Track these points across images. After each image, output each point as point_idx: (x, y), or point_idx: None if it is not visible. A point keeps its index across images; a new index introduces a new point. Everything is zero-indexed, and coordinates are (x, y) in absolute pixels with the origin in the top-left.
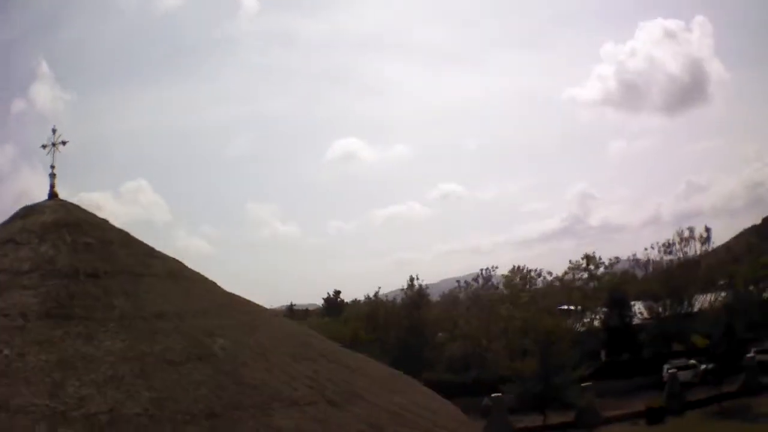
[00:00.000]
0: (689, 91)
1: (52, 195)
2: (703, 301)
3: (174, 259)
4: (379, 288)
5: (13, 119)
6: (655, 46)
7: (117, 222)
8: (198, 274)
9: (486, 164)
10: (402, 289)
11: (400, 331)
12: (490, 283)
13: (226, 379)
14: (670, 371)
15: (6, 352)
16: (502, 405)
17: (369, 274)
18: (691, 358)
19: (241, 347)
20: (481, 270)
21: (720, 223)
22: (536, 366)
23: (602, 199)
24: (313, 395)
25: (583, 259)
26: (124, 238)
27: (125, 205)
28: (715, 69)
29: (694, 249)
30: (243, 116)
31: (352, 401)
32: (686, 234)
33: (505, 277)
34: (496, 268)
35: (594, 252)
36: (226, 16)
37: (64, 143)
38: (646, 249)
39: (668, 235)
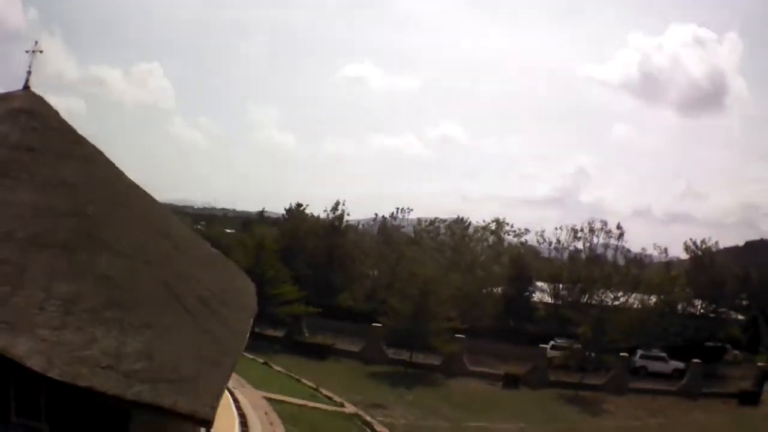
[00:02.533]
0: (706, 98)
1: (26, 87)
2: (612, 298)
3: (95, 146)
4: (307, 205)
5: None
6: (683, 47)
7: (121, 100)
8: (110, 161)
9: (492, 116)
10: (373, 219)
11: (317, 251)
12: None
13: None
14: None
15: None
16: (379, 334)
17: (352, 197)
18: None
19: (104, 209)
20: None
21: (707, 233)
22: (412, 309)
23: (598, 179)
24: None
25: (492, 222)
26: (62, 126)
27: (132, 84)
28: (736, 85)
29: (604, 241)
30: (262, 17)
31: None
32: (598, 225)
33: (448, 226)
34: (411, 209)
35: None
36: None
37: (41, 52)
38: (555, 229)
39: (656, 229)
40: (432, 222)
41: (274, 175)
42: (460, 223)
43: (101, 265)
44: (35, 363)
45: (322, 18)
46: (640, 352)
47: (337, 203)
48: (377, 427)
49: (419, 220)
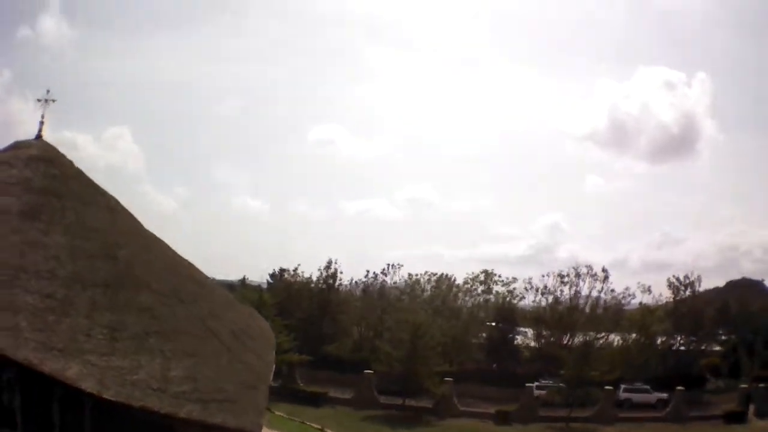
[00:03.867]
0: (677, 144)
1: (39, 136)
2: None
3: (113, 197)
4: (299, 264)
5: (15, 46)
6: (652, 92)
7: (92, 164)
8: (129, 211)
9: (462, 175)
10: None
11: (311, 306)
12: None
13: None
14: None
15: None
16: (371, 380)
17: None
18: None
19: (134, 253)
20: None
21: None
22: (404, 353)
23: (572, 233)
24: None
25: (481, 272)
26: (80, 175)
27: (104, 149)
28: (707, 127)
29: (590, 286)
30: (232, 80)
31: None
32: (583, 271)
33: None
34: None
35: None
36: None
37: (54, 101)
38: (542, 276)
39: (633, 280)
40: (421, 276)
41: (248, 241)
42: (445, 279)
43: (141, 300)
44: (89, 385)
45: (293, 80)
46: (623, 386)
47: (330, 262)
48: None
49: (410, 275)
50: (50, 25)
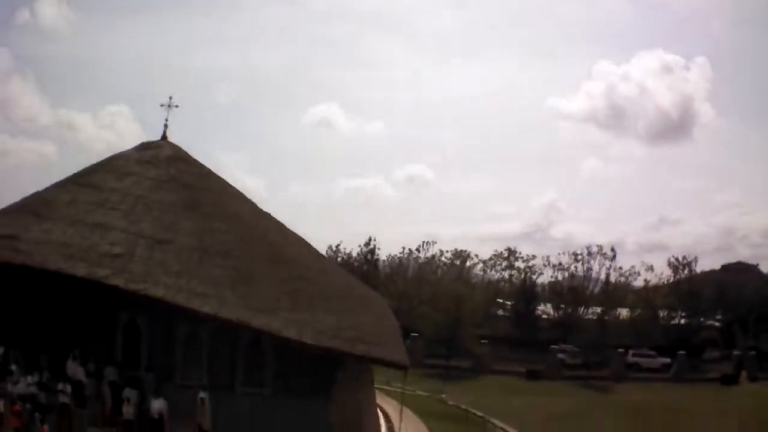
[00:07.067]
0: (675, 128)
1: (164, 137)
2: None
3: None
4: (341, 241)
5: (15, 28)
6: (650, 75)
7: (91, 145)
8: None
9: (458, 156)
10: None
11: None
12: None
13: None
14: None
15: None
16: (420, 342)
17: (325, 240)
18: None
19: (278, 235)
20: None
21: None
22: (449, 319)
23: (568, 214)
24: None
25: (505, 250)
26: (209, 171)
27: (102, 128)
28: (705, 112)
29: (599, 264)
30: (232, 64)
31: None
32: (595, 250)
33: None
34: (435, 242)
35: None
36: None
37: (177, 106)
38: (558, 254)
39: (630, 261)
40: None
41: None
42: (461, 255)
43: (300, 272)
44: (291, 334)
45: (292, 64)
46: (632, 351)
47: (370, 239)
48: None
49: (441, 251)
50: (49, 6)
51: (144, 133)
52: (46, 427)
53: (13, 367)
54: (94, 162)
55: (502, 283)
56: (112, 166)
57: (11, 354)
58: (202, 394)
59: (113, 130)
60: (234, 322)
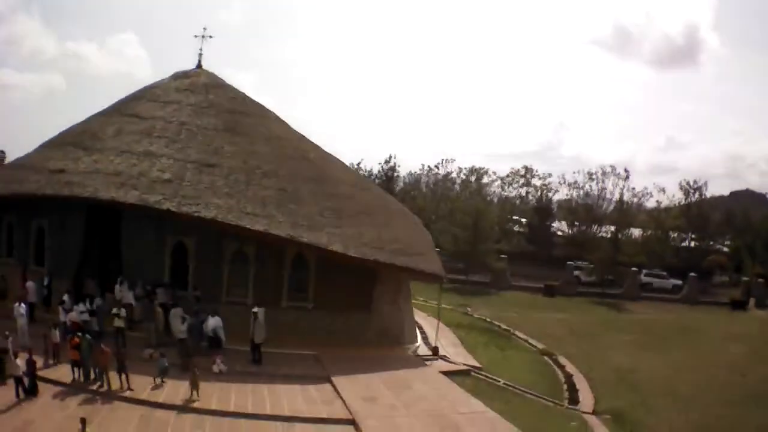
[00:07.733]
0: (681, 54)
1: (199, 66)
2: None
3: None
4: (362, 159)
5: None
6: (656, 1)
7: (98, 73)
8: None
9: (469, 73)
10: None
11: None
12: (447, 172)
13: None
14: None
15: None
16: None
17: (344, 153)
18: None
19: (318, 155)
20: (442, 159)
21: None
22: (467, 234)
23: (578, 133)
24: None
25: (522, 167)
26: (246, 96)
27: (109, 56)
28: (711, 40)
29: (613, 183)
30: None
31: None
32: (608, 170)
33: (465, 173)
34: (454, 160)
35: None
36: None
37: (211, 36)
38: (573, 173)
39: (640, 181)
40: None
41: None
42: (478, 172)
43: (342, 191)
44: (337, 248)
45: None
46: (644, 271)
47: (390, 156)
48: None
49: (459, 168)
50: None
51: (150, 58)
52: (108, 349)
53: (65, 297)
54: (104, 90)
55: (518, 200)
56: (152, 94)
57: (55, 284)
58: (255, 309)
59: (121, 57)
60: (285, 238)
